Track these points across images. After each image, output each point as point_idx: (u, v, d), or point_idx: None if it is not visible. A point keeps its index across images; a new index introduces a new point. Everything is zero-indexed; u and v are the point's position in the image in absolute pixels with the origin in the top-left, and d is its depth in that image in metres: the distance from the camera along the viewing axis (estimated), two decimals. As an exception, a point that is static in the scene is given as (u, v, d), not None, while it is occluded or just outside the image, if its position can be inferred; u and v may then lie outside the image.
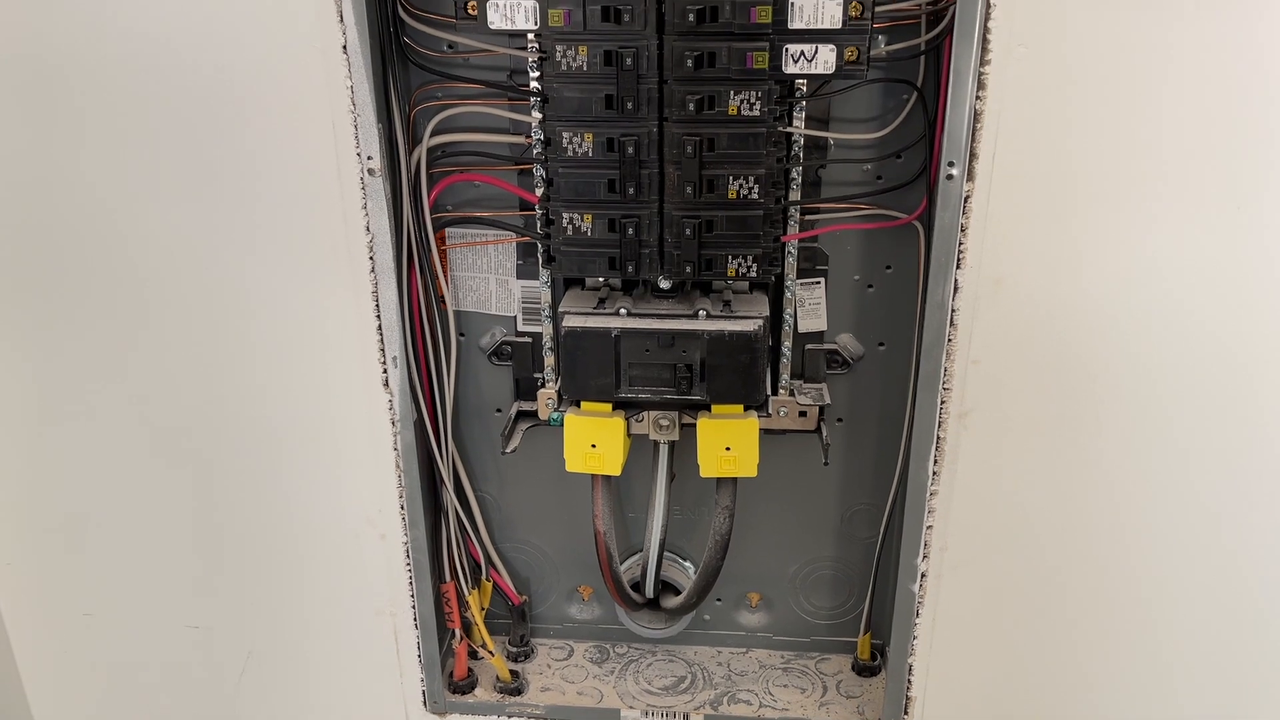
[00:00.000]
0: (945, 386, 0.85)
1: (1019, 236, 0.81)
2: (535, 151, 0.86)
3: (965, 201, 0.80)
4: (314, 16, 0.79)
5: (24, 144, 0.86)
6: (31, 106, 0.84)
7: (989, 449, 0.88)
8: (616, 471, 0.91)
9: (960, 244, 0.81)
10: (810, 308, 0.96)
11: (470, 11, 0.80)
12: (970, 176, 0.80)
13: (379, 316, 0.88)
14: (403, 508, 0.95)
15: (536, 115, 0.85)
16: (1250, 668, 0.95)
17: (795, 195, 0.88)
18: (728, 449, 0.91)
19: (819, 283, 0.95)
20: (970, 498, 0.89)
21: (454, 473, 1.01)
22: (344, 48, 0.79)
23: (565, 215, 0.86)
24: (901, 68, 0.86)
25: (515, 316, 0.99)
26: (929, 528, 0.90)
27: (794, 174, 0.87)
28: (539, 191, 0.88)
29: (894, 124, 0.87)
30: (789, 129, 0.85)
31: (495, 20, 0.79)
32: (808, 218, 0.91)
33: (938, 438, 0.87)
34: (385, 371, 0.90)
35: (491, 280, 0.98)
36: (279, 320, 0.89)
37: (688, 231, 0.85)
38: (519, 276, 0.98)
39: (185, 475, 0.97)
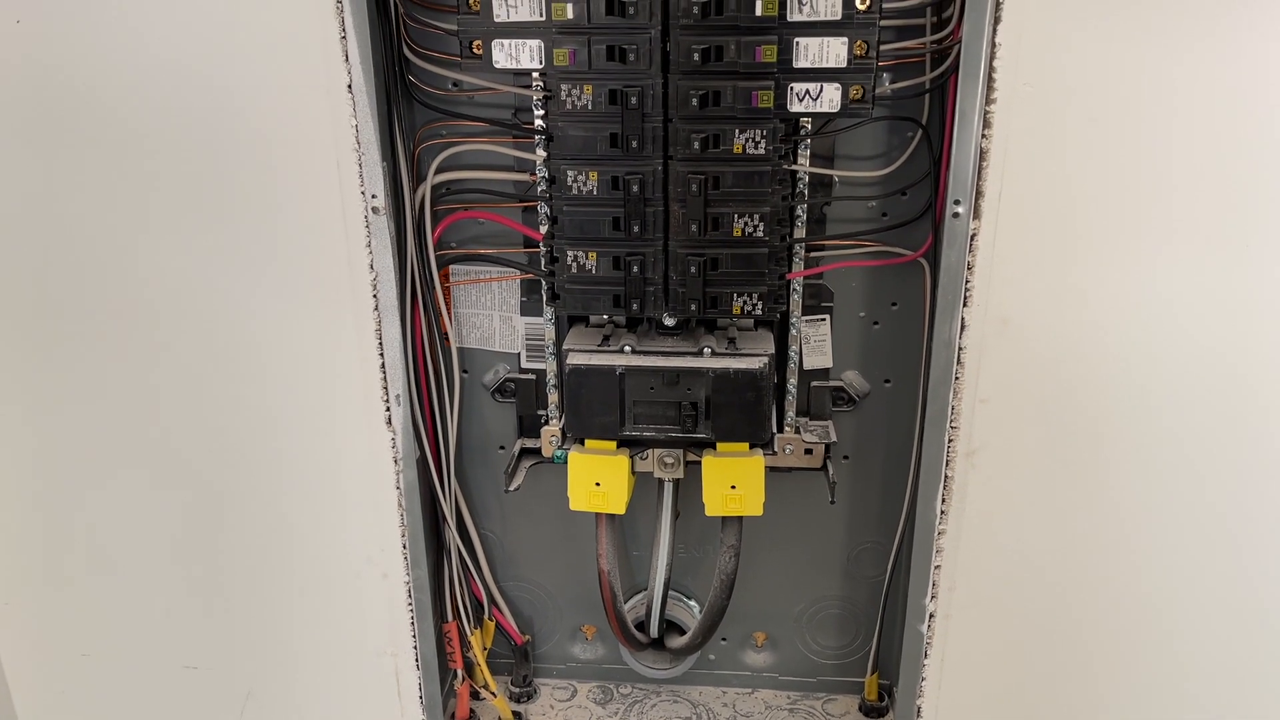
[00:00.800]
0: (953, 425, 0.85)
1: (1026, 274, 0.81)
2: (540, 189, 0.86)
3: (971, 240, 0.80)
4: (320, 56, 0.79)
5: (31, 178, 0.86)
6: (38, 141, 0.84)
7: (998, 488, 0.86)
8: (620, 510, 0.90)
9: (967, 282, 0.81)
10: (816, 344, 0.96)
11: (475, 51, 0.80)
12: (976, 215, 0.79)
13: (382, 355, 0.87)
14: (405, 547, 0.94)
15: (541, 153, 0.85)
16: (1269, 704, 0.93)
17: (800, 232, 0.88)
18: (733, 487, 0.90)
19: (824, 319, 0.95)
20: (979, 537, 0.88)
21: (456, 511, 1.00)
22: (349, 87, 0.79)
23: (570, 253, 0.86)
24: (906, 105, 0.86)
25: (519, 353, 0.99)
26: (937, 567, 0.89)
27: (799, 211, 0.87)
28: (543, 229, 0.88)
29: (899, 161, 0.87)
30: (794, 167, 0.85)
31: (501, 60, 0.79)
32: (813, 255, 0.91)
33: (945, 476, 0.86)
34: (388, 410, 0.89)
35: (495, 317, 0.98)
36: (281, 357, 0.89)
37: (693, 269, 0.84)
38: (523, 313, 0.97)
39: (185, 514, 0.96)
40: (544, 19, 0.78)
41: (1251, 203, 0.78)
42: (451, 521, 0.98)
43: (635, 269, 0.85)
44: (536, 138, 0.85)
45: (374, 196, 0.84)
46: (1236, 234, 0.79)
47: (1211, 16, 0.73)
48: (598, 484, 0.90)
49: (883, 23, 0.78)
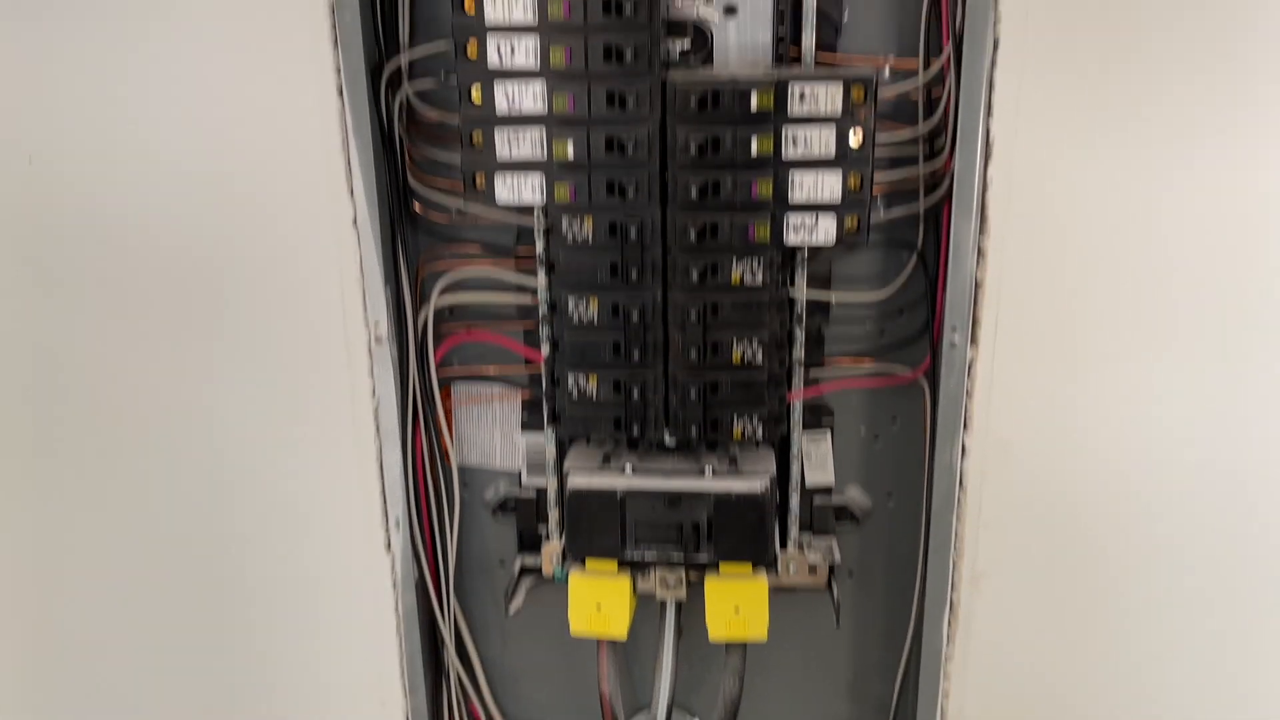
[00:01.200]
0: (957, 550, 0.84)
1: (1026, 399, 0.81)
2: (541, 312, 0.88)
3: (970, 367, 0.80)
4: (325, 190, 0.81)
5: (37, 302, 0.87)
6: (45, 267, 0.86)
7: (1004, 613, 0.86)
8: (622, 636, 0.89)
9: (966, 408, 0.81)
10: (817, 461, 0.95)
11: (478, 185, 0.81)
12: (974, 342, 0.80)
13: (383, 479, 0.88)
14: (403, 673, 0.92)
15: (543, 279, 0.86)
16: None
17: (799, 353, 0.89)
18: (737, 610, 0.89)
19: (825, 435, 0.95)
20: (987, 663, 0.87)
21: (455, 632, 0.99)
22: (354, 221, 0.81)
23: (571, 377, 0.86)
24: (901, 227, 0.88)
25: (520, 470, 0.98)
26: (945, 695, 0.87)
27: (797, 333, 0.88)
28: (544, 349, 0.89)
29: (896, 285, 0.88)
30: (791, 292, 0.86)
31: (503, 195, 0.81)
32: (812, 373, 0.92)
33: (951, 601, 0.85)
34: (388, 534, 0.89)
35: (496, 434, 0.98)
36: (281, 482, 0.89)
37: (693, 394, 0.85)
38: (524, 429, 0.97)
39: (179, 637, 0.95)
40: (545, 158, 0.79)
41: (1246, 321, 0.79)
42: (451, 645, 0.97)
43: (636, 394, 0.85)
44: (538, 265, 0.86)
45: (377, 323, 0.85)
46: (1233, 352, 0.80)
47: (1199, 138, 0.75)
48: (599, 607, 0.90)
49: (876, 152, 0.80)
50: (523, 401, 0.96)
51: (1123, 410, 0.81)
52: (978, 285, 0.78)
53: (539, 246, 0.85)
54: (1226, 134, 0.75)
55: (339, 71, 0.78)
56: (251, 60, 0.79)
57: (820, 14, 0.82)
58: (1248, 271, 0.78)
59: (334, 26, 0.76)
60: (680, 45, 0.83)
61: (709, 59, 0.84)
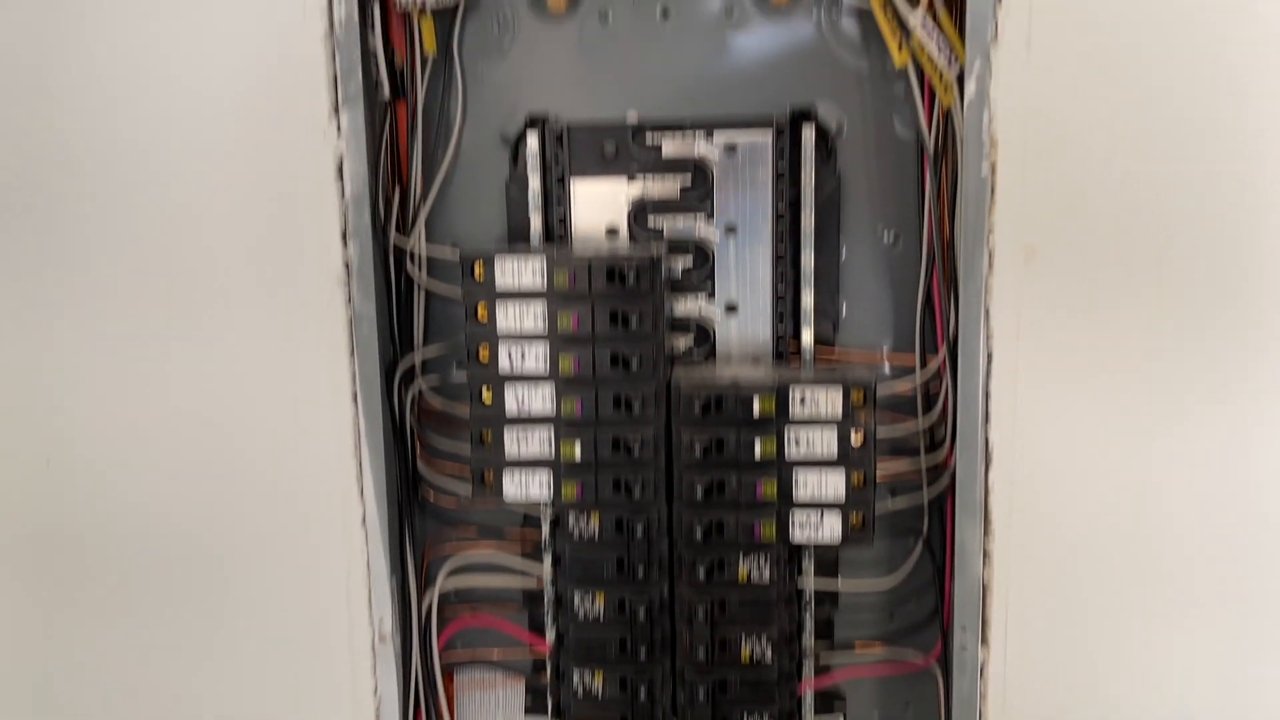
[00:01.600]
0: None
1: (1042, 698, 0.79)
2: (547, 599, 0.87)
3: (982, 669, 0.79)
4: (337, 489, 0.82)
5: (49, 612, 0.87)
6: (61, 575, 0.86)
7: None
8: None
9: (981, 711, 0.79)
10: (831, 751, 0.92)
11: (487, 481, 0.83)
12: (984, 642, 0.79)
13: (381, 783, 0.84)
14: None
15: (548, 570, 0.86)
16: None
17: (809, 641, 0.87)
18: None
19: (838, 721, 0.92)
20: None
21: None
22: (363, 520, 0.82)
23: (576, 674, 0.85)
24: (906, 514, 0.88)
25: (523, 761, 0.95)
26: None
27: (806, 622, 0.87)
28: (549, 636, 0.87)
29: (903, 573, 0.88)
30: (799, 582, 0.86)
31: (511, 491, 0.82)
32: (823, 659, 0.90)
33: None
34: (384, 841, 0.85)
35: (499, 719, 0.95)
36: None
37: (701, 694, 0.83)
38: (527, 712, 0.95)
39: None
40: (553, 457, 0.81)
41: (1260, 600, 0.78)
42: None
43: (643, 693, 0.83)
44: (543, 552, 0.86)
45: (381, 620, 0.84)
46: (1248, 632, 0.78)
47: (1198, 421, 0.75)
48: None
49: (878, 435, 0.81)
50: (526, 685, 0.94)
51: (1142, 699, 0.79)
52: (985, 588, 0.78)
53: (545, 534, 0.86)
54: (1226, 413, 0.76)
55: (354, 378, 0.80)
56: (269, 363, 0.81)
57: (818, 311, 0.86)
58: (1255, 552, 0.78)
59: (351, 338, 0.80)
60: (684, 342, 0.86)
61: (712, 353, 0.87)
